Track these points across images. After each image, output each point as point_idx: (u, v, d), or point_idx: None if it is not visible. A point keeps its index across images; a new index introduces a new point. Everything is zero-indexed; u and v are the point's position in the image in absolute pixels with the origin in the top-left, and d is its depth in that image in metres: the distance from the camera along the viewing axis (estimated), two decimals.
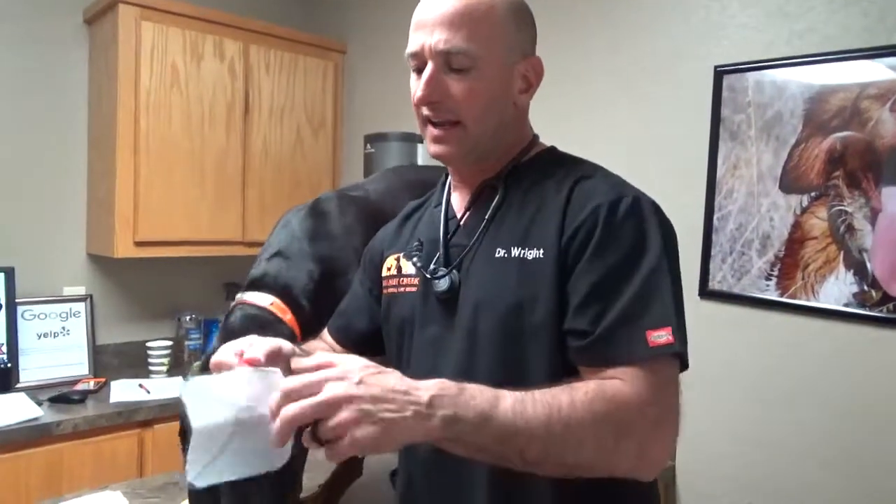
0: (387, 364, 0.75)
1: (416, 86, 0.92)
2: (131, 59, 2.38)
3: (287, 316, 1.15)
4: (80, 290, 2.59)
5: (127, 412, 2.20)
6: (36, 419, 2.05)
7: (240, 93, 2.64)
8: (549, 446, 0.73)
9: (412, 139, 2.47)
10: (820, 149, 1.64)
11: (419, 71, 0.92)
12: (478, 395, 0.72)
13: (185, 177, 2.51)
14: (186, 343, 2.71)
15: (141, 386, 2.40)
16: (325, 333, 1.15)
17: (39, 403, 2.16)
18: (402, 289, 1.00)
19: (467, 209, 0.97)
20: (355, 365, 0.70)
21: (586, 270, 0.83)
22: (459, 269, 0.92)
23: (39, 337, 2.42)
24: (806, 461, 1.66)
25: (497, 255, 0.89)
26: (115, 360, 2.65)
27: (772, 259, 1.72)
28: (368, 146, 2.48)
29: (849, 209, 1.60)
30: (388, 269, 1.04)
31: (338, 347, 1.10)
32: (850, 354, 1.60)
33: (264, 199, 2.74)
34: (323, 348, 1.09)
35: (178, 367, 2.64)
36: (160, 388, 2.40)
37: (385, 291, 1.04)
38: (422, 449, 0.92)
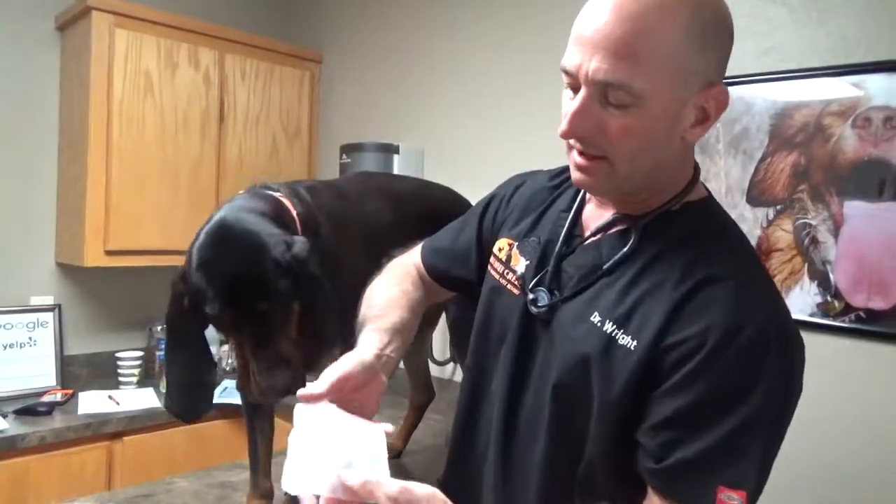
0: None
1: (565, 108, 0.77)
2: (104, 67, 2.35)
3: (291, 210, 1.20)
4: (49, 300, 2.54)
5: (96, 424, 2.17)
6: (1, 432, 2.00)
7: (214, 101, 2.63)
8: None
9: (388, 149, 2.48)
10: (785, 163, 1.69)
11: (574, 89, 0.77)
12: None
13: (157, 185, 2.49)
14: (157, 353, 2.67)
15: (110, 397, 2.36)
16: (414, 258, 1.11)
17: (5, 416, 2.11)
18: (507, 285, 0.94)
19: (593, 234, 0.87)
20: None
21: (674, 391, 0.73)
22: (556, 304, 0.86)
23: (5, 347, 2.37)
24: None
25: (592, 320, 0.80)
26: (83, 371, 2.60)
27: None
28: (344, 156, 2.49)
29: (813, 222, 1.64)
30: (500, 249, 0.97)
31: (427, 278, 1.09)
32: (813, 364, 1.62)
33: None
34: (406, 274, 1.08)
35: (148, 378, 2.60)
36: (130, 399, 2.36)
37: (491, 271, 0.98)
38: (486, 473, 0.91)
